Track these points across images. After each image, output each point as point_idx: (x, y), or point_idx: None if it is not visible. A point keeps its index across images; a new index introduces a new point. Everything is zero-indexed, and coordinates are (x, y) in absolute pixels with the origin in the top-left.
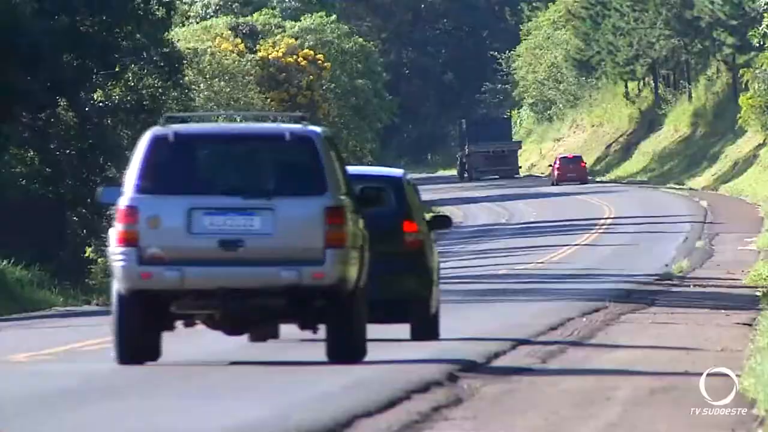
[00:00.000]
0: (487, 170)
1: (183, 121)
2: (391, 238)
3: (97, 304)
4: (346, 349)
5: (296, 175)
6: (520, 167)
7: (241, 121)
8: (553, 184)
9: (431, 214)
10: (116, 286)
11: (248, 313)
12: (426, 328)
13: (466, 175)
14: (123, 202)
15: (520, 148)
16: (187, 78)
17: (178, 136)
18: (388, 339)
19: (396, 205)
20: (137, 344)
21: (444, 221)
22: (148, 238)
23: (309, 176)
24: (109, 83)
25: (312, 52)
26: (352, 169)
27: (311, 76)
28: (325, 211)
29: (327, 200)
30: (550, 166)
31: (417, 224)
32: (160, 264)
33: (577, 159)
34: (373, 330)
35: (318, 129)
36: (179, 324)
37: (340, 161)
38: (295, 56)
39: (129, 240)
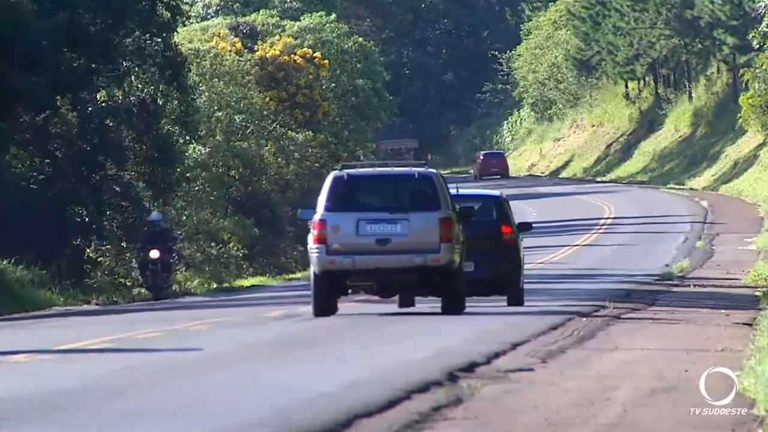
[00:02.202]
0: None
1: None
2: (494, 237)
3: (97, 304)
4: (454, 307)
5: (422, 198)
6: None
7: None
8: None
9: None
10: (312, 269)
11: (394, 284)
12: (516, 299)
13: None
14: (317, 217)
15: (418, 145)
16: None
17: (350, 176)
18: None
19: (496, 214)
20: (325, 305)
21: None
22: (332, 239)
23: (429, 199)
24: (112, 83)
25: (309, 50)
26: (466, 191)
27: (310, 75)
28: (440, 220)
29: (441, 213)
30: (474, 161)
31: (511, 228)
32: (340, 254)
33: (499, 155)
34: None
35: (433, 170)
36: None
37: (447, 188)
38: (292, 54)
39: (321, 240)
